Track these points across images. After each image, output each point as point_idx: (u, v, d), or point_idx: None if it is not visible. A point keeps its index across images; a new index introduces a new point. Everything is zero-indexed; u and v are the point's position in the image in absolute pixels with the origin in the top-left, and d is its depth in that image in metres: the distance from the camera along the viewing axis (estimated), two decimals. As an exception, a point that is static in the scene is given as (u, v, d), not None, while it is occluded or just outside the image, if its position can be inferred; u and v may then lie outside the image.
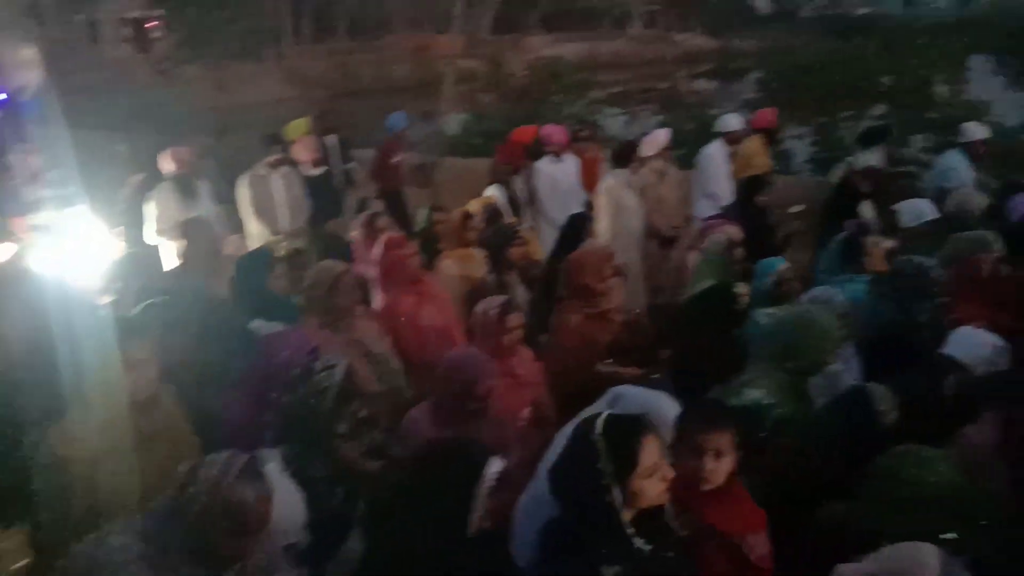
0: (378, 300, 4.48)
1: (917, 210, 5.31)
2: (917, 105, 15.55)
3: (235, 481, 2.15)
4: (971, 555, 2.16)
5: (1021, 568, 2.31)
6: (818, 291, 3.81)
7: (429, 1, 37.68)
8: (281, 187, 6.76)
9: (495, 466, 2.32)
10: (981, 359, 3.29)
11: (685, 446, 2.52)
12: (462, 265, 4.92)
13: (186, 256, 5.07)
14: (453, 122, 16.94)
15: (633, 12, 47.64)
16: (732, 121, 7.58)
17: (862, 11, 47.83)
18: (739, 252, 4.81)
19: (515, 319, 3.68)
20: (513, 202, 6.88)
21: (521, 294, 4.67)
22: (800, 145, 14.64)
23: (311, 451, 2.83)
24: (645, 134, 7.19)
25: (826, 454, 2.71)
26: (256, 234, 6.67)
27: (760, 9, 50.14)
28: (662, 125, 16.13)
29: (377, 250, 4.51)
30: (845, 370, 3.52)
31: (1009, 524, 2.46)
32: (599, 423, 2.18)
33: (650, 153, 6.73)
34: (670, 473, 2.19)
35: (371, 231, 4.91)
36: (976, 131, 6.91)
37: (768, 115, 8.16)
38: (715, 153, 7.24)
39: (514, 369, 3.68)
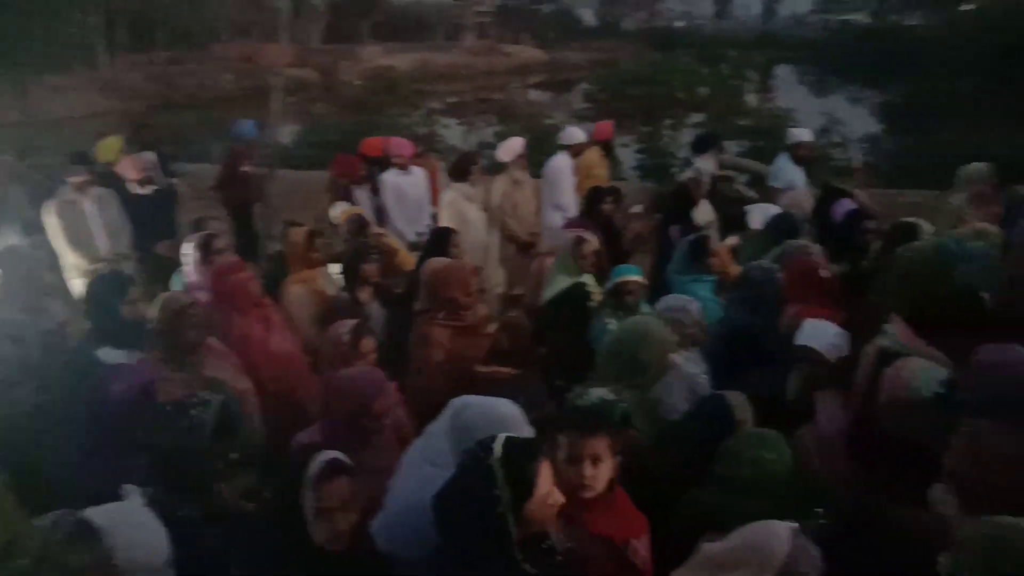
0: (221, 328, 4.15)
1: (766, 213, 5.58)
2: (730, 113, 16.70)
3: (65, 545, 1.94)
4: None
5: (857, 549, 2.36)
6: (672, 300, 3.89)
7: (255, 9, 36.30)
8: (95, 211, 6.15)
9: (324, 456, 2.26)
10: (832, 346, 3.49)
11: (563, 454, 2.50)
12: (310, 288, 4.67)
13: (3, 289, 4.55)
14: (285, 133, 16.36)
15: (465, 24, 48.14)
16: (577, 134, 7.71)
17: (678, 24, 50.75)
18: (588, 249, 4.85)
19: (368, 343, 3.54)
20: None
21: (376, 311, 4.49)
22: (627, 153, 15.32)
23: (183, 492, 2.64)
24: (484, 145, 7.22)
25: (687, 461, 2.75)
26: (74, 265, 6.06)
27: (586, 22, 52.07)
28: (499, 135, 16.47)
29: (212, 278, 4.19)
30: (702, 373, 3.62)
31: (850, 508, 2.55)
32: (497, 448, 2.10)
33: (507, 159, 6.73)
34: (560, 498, 2.15)
35: (207, 253, 4.57)
36: (799, 134, 7.38)
37: (607, 127, 8.42)
38: (562, 166, 7.32)
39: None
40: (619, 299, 4.33)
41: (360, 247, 4.73)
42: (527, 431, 2.53)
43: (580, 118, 17.61)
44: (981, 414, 2.83)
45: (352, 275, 4.56)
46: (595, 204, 6.02)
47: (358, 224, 5.52)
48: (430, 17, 46.49)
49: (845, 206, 5.83)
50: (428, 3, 47.86)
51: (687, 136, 15.66)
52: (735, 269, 4.56)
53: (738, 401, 2.94)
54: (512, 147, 6.90)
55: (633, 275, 4.36)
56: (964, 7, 36.21)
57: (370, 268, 4.57)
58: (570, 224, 5.82)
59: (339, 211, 6.12)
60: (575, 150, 7.50)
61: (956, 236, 4.61)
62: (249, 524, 2.59)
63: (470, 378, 3.53)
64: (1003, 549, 1.95)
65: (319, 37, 38.08)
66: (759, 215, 5.55)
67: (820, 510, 2.36)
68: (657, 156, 13.66)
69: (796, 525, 2.02)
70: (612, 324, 4.26)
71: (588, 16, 52.45)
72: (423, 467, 2.60)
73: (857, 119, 22.34)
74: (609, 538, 2.48)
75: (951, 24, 35.18)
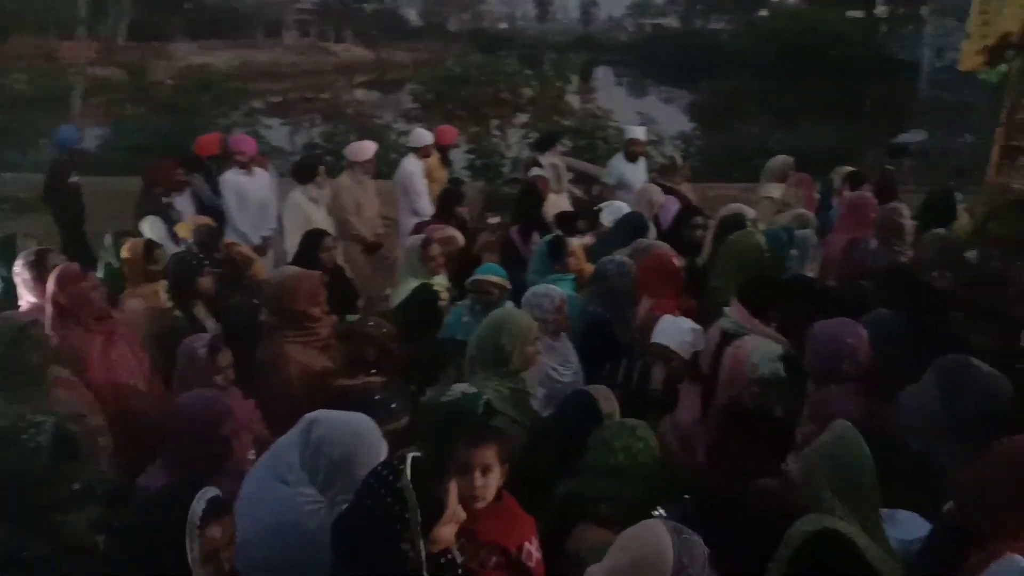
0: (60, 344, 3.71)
1: (617, 210, 5.70)
2: (554, 113, 17.18)
3: None
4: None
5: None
6: (535, 288, 3.92)
7: (49, 1, 33.22)
8: None
9: (206, 494, 2.08)
10: (685, 343, 3.64)
11: (453, 465, 2.46)
12: (148, 303, 4.30)
13: None
14: (89, 137, 15.14)
15: (286, 21, 46.57)
16: (425, 136, 7.61)
17: (502, 26, 51.66)
18: (435, 250, 4.78)
19: (226, 356, 3.34)
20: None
21: (211, 328, 4.16)
22: (456, 153, 15.41)
23: (27, 528, 2.41)
24: (310, 146, 7.00)
25: (558, 457, 2.77)
26: None
27: (411, 21, 51.85)
28: (326, 135, 16.07)
29: (50, 286, 3.72)
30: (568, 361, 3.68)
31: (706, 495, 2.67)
32: (407, 470, 2.05)
33: (360, 160, 6.59)
34: (463, 516, 2.14)
35: (41, 271, 4.06)
36: (632, 132, 7.62)
37: (450, 131, 8.43)
38: (413, 169, 7.21)
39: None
40: (477, 297, 4.33)
41: (188, 259, 4.38)
42: (383, 444, 2.48)
43: (409, 118, 17.52)
44: (824, 382, 3.11)
45: (184, 290, 4.22)
46: (450, 206, 5.99)
47: (210, 235, 5.14)
48: (248, 13, 44.54)
49: (672, 203, 6.13)
50: (246, -1, 46.01)
51: (514, 136, 15.94)
52: (589, 268, 4.66)
53: (603, 395, 3.00)
54: (365, 149, 6.73)
55: (492, 275, 4.36)
56: (760, 12, 39.22)
57: (205, 282, 4.26)
58: (420, 226, 5.72)
59: (148, 225, 5.68)
60: (424, 152, 7.41)
61: (781, 224, 5.00)
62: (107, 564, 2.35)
63: (334, 394, 3.36)
64: (840, 452, 2.28)
65: (125, 33, 35.46)
66: (610, 214, 5.70)
67: (687, 497, 2.49)
68: (486, 156, 13.81)
69: (668, 520, 2.01)
70: (467, 319, 4.28)
71: (413, 16, 52.23)
72: (275, 487, 2.49)
73: (670, 118, 23.71)
74: (503, 546, 2.48)
75: (749, 28, 38.10)
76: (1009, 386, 2.83)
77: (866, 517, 2.25)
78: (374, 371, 3.53)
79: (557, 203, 6.50)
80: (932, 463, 2.69)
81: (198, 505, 2.04)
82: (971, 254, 4.51)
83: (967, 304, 4.42)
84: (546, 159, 7.43)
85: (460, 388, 3.04)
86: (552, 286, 3.90)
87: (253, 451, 3.28)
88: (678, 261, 4.50)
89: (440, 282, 4.75)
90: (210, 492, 2.10)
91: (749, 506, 2.50)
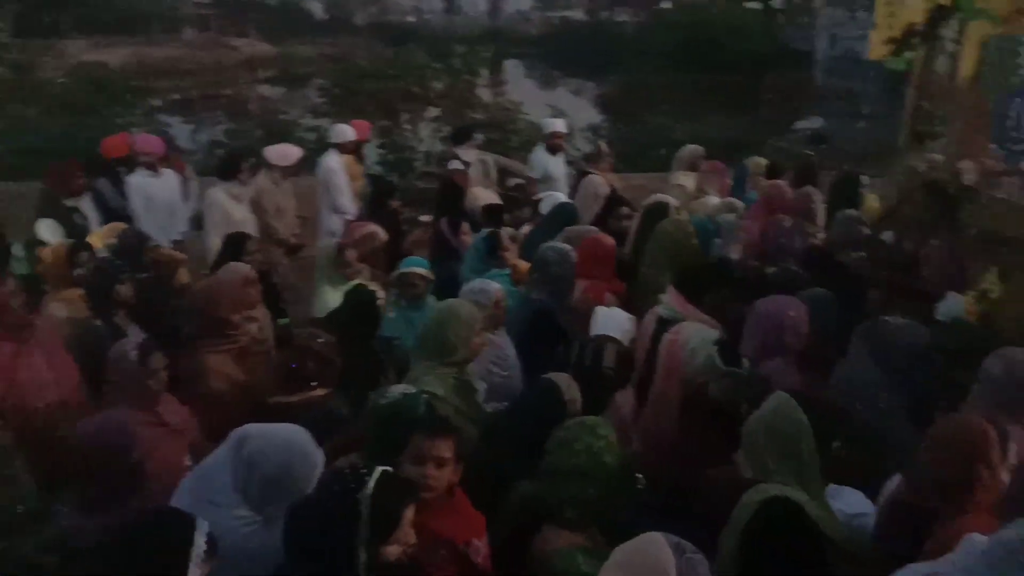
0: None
1: (556, 201, 5.76)
2: (465, 107, 17.16)
3: None
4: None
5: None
6: (472, 283, 3.90)
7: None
8: None
9: (204, 528, 2.03)
10: (625, 331, 3.74)
11: (408, 455, 2.48)
12: (71, 308, 4.09)
13: None
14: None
15: (183, 16, 44.83)
16: (347, 131, 7.46)
17: (409, 19, 51.13)
18: (351, 255, 4.70)
19: (158, 360, 3.20)
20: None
21: (135, 336, 3.97)
22: (368, 148, 15.18)
23: None
24: (215, 144, 6.79)
25: (518, 451, 2.76)
26: None
27: (316, 15, 50.69)
28: (230, 133, 15.61)
29: None
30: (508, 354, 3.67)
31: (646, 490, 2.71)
32: (372, 483, 2.06)
33: (283, 164, 6.41)
34: (412, 539, 2.14)
35: None
36: (552, 124, 7.66)
37: (366, 127, 8.32)
38: (334, 166, 7.06)
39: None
40: (403, 291, 4.29)
41: (106, 266, 4.17)
42: (318, 455, 2.44)
43: (316, 114, 17.19)
44: (765, 357, 3.22)
45: (103, 298, 4.02)
46: (382, 200, 5.89)
47: (135, 240, 4.90)
48: (143, 8, 42.66)
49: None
50: (139, -7, 43.99)
51: (425, 130, 15.82)
52: (524, 264, 4.68)
53: (565, 382, 3.01)
54: (289, 155, 6.54)
55: (418, 267, 4.33)
56: (663, 5, 40.05)
57: (124, 290, 4.06)
58: (350, 223, 5.62)
59: (45, 228, 5.40)
60: (345, 148, 7.27)
61: (709, 211, 5.14)
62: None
63: (268, 409, 3.25)
64: (778, 422, 2.36)
65: (10, 30, 33.55)
66: (549, 205, 5.75)
67: (640, 476, 2.51)
68: (397, 150, 13.67)
69: (670, 536, 1.90)
70: (392, 315, 4.23)
71: (318, 10, 51.04)
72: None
73: (580, 110, 24.00)
74: (450, 540, 2.47)
75: (653, 21, 38.85)
76: (925, 330, 3.16)
77: (808, 484, 2.34)
78: (315, 384, 3.42)
79: (488, 198, 6.46)
80: (872, 427, 2.83)
81: (200, 541, 1.98)
82: (887, 235, 4.73)
83: (883, 282, 4.66)
84: (464, 153, 7.40)
85: (400, 389, 2.99)
86: (488, 281, 3.91)
87: (189, 458, 3.18)
88: (613, 244, 4.59)
89: (375, 286, 4.58)
90: (206, 526, 2.04)
91: (703, 493, 2.55)
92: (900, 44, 4.87)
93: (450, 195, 6.12)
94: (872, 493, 2.65)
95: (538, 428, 2.70)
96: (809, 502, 2.25)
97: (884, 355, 3.03)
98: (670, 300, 3.76)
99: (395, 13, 51.78)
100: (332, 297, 4.51)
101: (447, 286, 4.42)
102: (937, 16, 4.64)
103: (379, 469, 2.11)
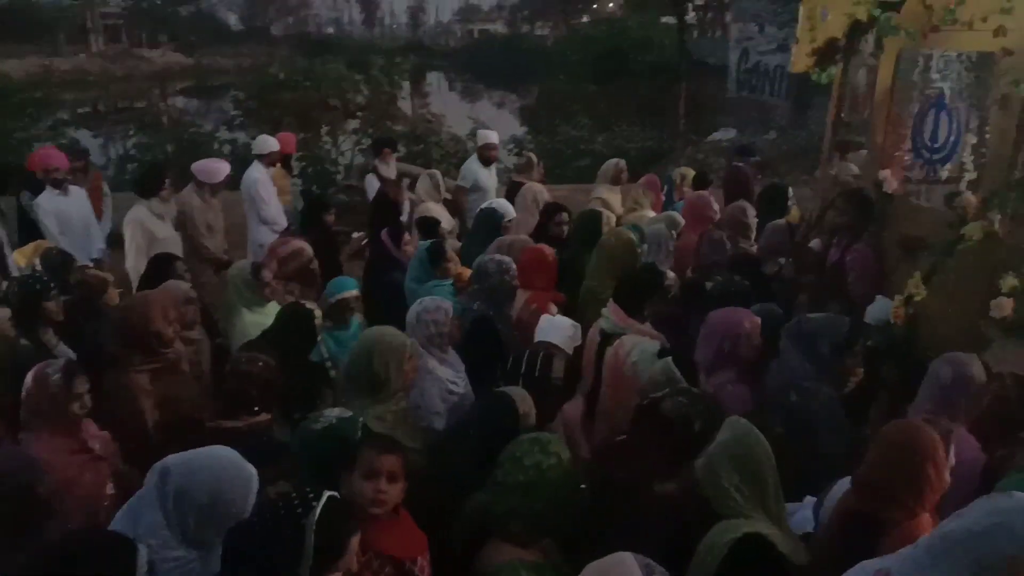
0: None
1: (498, 208, 5.66)
2: (386, 119, 17.03)
3: None
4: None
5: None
6: (427, 303, 3.72)
7: None
8: None
9: (144, 552, 1.96)
10: (568, 339, 3.74)
11: (360, 470, 2.44)
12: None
13: None
14: None
15: (91, 26, 43.19)
16: (270, 142, 7.27)
17: (328, 31, 50.58)
18: (267, 276, 4.52)
19: (82, 383, 3.03)
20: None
21: (62, 354, 3.75)
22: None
23: None
24: (127, 158, 6.50)
25: (472, 465, 2.73)
26: None
27: (232, 26, 49.58)
28: (142, 146, 15.05)
29: None
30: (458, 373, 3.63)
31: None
32: (318, 509, 2.00)
33: (212, 182, 6.13)
34: (355, 567, 2.11)
35: None
36: (486, 136, 7.67)
37: (292, 139, 8.16)
38: (260, 177, 6.87)
39: (86, 443, 3.04)
40: (337, 318, 4.17)
41: (33, 282, 3.94)
42: (250, 472, 2.33)
43: (232, 127, 16.80)
44: (718, 368, 3.28)
45: (30, 316, 3.80)
46: (317, 214, 5.76)
47: (60, 260, 4.64)
48: (46, 18, 40.89)
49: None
50: (43, 2, 41.96)
51: (346, 142, 15.65)
52: (465, 271, 4.63)
53: (519, 396, 2.99)
54: (218, 171, 6.25)
55: (350, 290, 4.23)
56: (582, 19, 40.69)
57: (51, 306, 3.85)
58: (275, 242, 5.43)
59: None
60: (269, 160, 7.10)
61: (647, 223, 5.22)
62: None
63: (210, 435, 3.10)
64: (741, 450, 2.36)
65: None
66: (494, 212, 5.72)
67: (584, 486, 2.52)
68: (317, 163, 13.47)
69: (638, 556, 1.89)
70: (328, 342, 4.11)
71: (233, 20, 49.94)
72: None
73: (502, 122, 24.16)
74: (397, 558, 2.44)
75: (571, 34, 39.44)
76: (844, 320, 3.34)
77: (769, 508, 2.35)
78: (257, 408, 3.30)
79: (436, 212, 6.41)
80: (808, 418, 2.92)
81: (142, 563, 1.88)
82: (815, 243, 4.89)
83: (810, 288, 4.83)
84: (383, 165, 7.33)
85: (334, 413, 2.91)
86: (440, 298, 3.80)
87: (111, 486, 3.06)
88: (552, 254, 4.61)
89: (312, 304, 4.29)
90: (144, 550, 1.96)
91: (647, 507, 2.56)
92: (822, 58, 5.06)
93: (384, 208, 6.04)
94: (812, 485, 2.72)
95: (492, 442, 2.67)
96: (777, 534, 2.28)
97: (809, 347, 3.21)
98: (611, 313, 3.81)
99: (314, 24, 51.11)
100: (250, 319, 4.27)
101: (391, 298, 4.35)
102: (856, 31, 4.84)
103: (326, 494, 2.06)
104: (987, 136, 3.89)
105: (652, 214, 6.10)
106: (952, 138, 4.19)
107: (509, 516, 2.46)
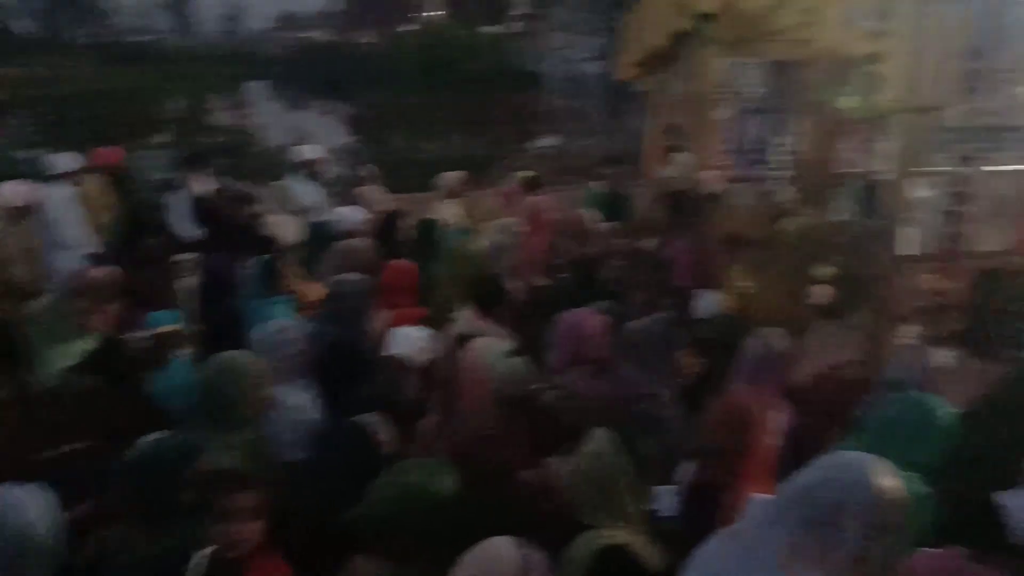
0: None
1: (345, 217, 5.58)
2: (199, 131, 16.30)
3: None
4: None
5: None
6: (268, 327, 3.52)
7: None
8: None
9: None
10: (421, 350, 3.62)
11: (215, 512, 2.33)
12: None
13: None
14: None
15: None
16: (64, 161, 6.66)
17: (137, 38, 47.40)
18: (80, 303, 4.16)
19: None
20: None
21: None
22: (94, 178, 13.85)
23: None
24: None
25: (335, 492, 2.62)
26: None
27: (20, 32, 45.29)
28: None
29: None
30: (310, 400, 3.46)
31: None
32: (204, 565, 2.02)
33: (16, 205, 5.60)
34: None
35: None
36: (302, 152, 7.37)
37: (109, 153, 7.63)
38: (56, 196, 6.25)
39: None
40: (157, 354, 3.82)
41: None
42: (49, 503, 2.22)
43: (30, 144, 15.40)
44: (569, 367, 3.35)
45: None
46: (136, 239, 5.32)
47: None
48: None
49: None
50: None
51: (156, 157, 14.75)
52: (309, 286, 4.46)
53: (375, 423, 2.89)
54: (19, 192, 5.70)
55: (167, 324, 3.91)
56: (407, 27, 40.61)
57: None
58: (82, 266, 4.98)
59: None
60: (73, 178, 6.51)
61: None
62: None
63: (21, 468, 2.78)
64: (597, 470, 2.41)
65: None
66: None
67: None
68: (125, 180, 12.60)
69: (508, 537, 1.98)
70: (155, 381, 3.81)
71: (27, 27, 45.62)
72: None
73: (329, 132, 23.65)
74: None
75: (396, 42, 39.24)
76: (661, 319, 3.55)
77: (630, 516, 2.42)
78: (70, 436, 3.03)
79: (284, 225, 6.08)
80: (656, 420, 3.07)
81: None
82: (651, 243, 5.13)
83: (643, 286, 5.07)
84: (195, 181, 6.92)
85: (155, 436, 2.71)
86: (284, 321, 3.62)
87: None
88: (414, 267, 4.56)
89: (136, 337, 3.95)
90: None
91: (510, 496, 2.59)
92: (645, 67, 5.32)
93: (212, 225, 5.71)
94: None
95: (351, 477, 2.59)
96: (637, 541, 2.36)
97: (636, 355, 3.38)
98: (465, 316, 3.82)
99: (121, 32, 47.71)
100: (64, 351, 3.82)
101: (229, 325, 4.08)
102: (678, 41, 5.13)
103: (212, 549, 2.04)
104: (796, 138, 4.24)
105: (504, 221, 6.16)
106: (764, 140, 4.55)
107: (381, 533, 2.40)
